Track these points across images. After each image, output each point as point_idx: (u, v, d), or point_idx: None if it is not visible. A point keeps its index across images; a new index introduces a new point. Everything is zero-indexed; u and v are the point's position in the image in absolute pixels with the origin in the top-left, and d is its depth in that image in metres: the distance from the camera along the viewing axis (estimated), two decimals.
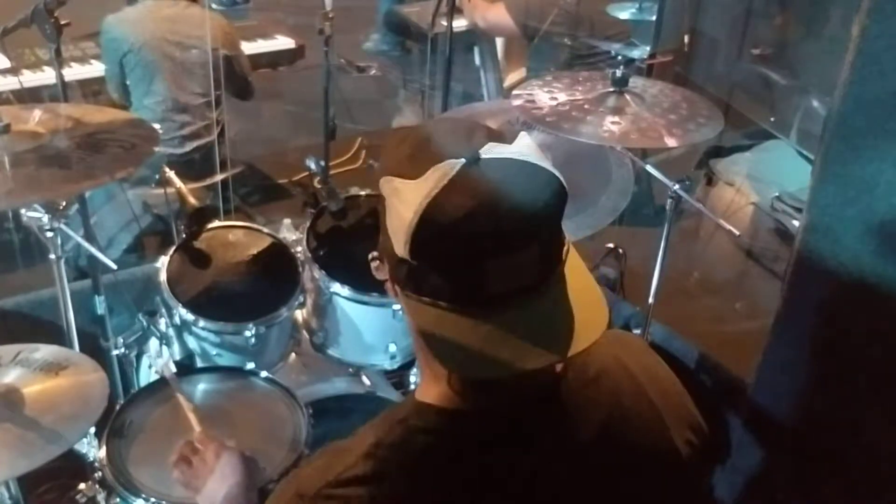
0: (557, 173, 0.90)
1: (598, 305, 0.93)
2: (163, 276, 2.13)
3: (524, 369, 0.86)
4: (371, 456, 0.94)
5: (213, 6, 3.15)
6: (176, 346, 2.13)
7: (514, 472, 0.95)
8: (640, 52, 3.99)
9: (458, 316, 0.88)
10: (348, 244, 2.24)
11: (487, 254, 0.85)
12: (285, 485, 1.00)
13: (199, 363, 2.10)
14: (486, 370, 0.87)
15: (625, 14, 4.34)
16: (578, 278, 0.94)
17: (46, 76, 3.22)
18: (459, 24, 3.70)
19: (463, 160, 0.86)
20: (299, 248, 2.24)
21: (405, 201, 0.87)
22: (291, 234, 2.38)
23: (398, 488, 0.93)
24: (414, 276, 0.90)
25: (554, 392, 0.98)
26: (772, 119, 3.75)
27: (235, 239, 2.28)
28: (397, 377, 2.44)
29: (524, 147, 0.91)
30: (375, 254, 0.99)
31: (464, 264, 0.87)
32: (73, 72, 3.39)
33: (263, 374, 2.00)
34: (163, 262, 2.16)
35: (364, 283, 2.11)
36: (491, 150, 0.88)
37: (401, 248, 0.88)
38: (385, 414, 1.00)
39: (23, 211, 1.89)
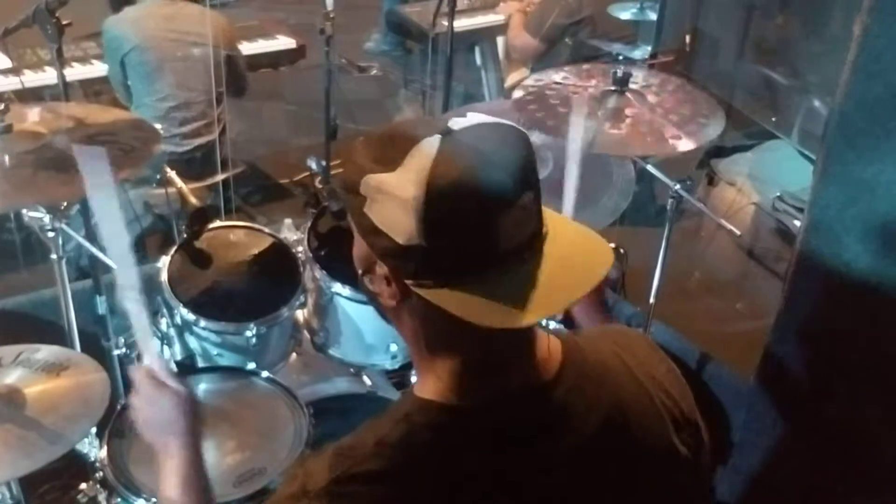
0: (519, 126, 0.94)
1: (596, 239, 0.98)
2: (164, 276, 2.12)
3: (566, 306, 0.90)
4: (377, 453, 0.94)
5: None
6: (177, 346, 2.13)
7: (515, 467, 0.96)
8: (642, 52, 4.00)
9: (480, 281, 0.88)
10: (349, 244, 2.23)
11: (496, 209, 0.87)
12: (289, 481, 0.99)
13: (200, 363, 2.10)
14: (523, 317, 0.88)
15: (626, 14, 4.34)
16: (566, 223, 1.00)
17: (48, 76, 3.22)
18: (460, 24, 3.71)
19: (438, 136, 0.89)
20: (300, 248, 2.24)
21: (398, 187, 0.87)
22: (292, 234, 2.38)
23: (405, 485, 0.93)
24: (428, 258, 0.89)
25: (552, 388, 0.98)
26: (773, 119, 3.75)
27: (236, 239, 2.28)
28: (398, 377, 2.43)
29: (479, 115, 0.94)
30: (361, 270, 1.00)
31: (476, 225, 0.88)
32: (75, 72, 3.38)
33: (264, 374, 2.00)
34: (164, 261, 2.16)
35: None
36: (457, 123, 0.91)
37: (409, 234, 0.88)
38: (386, 411, 1.00)
39: (24, 211, 1.89)
